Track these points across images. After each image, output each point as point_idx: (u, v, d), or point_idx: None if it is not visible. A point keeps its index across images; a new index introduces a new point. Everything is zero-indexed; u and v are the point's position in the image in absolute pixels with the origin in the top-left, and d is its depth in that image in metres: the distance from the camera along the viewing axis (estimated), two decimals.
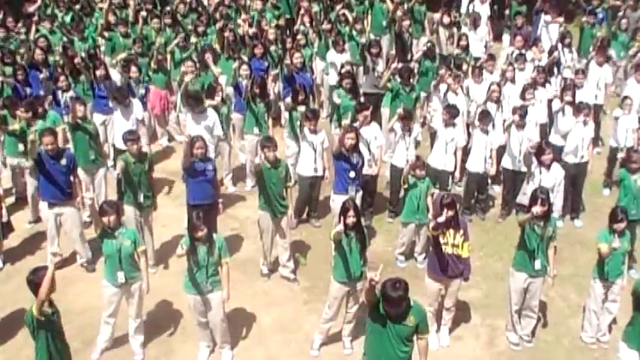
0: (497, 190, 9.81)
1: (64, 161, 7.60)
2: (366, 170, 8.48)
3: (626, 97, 9.61)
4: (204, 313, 6.46)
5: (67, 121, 8.74)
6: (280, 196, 7.59)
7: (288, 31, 12.84)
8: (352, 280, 6.46)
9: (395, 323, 5.18)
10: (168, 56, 11.30)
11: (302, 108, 9.01)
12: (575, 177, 8.99)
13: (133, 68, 10.23)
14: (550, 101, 9.80)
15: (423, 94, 10.59)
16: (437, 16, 12.86)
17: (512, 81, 10.09)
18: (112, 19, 12.08)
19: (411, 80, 9.87)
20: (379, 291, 5.12)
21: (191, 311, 6.55)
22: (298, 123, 9.15)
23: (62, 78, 9.72)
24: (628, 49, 11.98)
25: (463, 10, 13.95)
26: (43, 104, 9.09)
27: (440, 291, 6.74)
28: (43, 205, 7.71)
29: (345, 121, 8.93)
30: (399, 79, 9.80)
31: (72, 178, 7.74)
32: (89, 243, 8.03)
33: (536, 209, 6.36)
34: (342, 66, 10.48)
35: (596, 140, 10.41)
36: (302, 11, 12.83)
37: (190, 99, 8.93)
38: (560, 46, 11.49)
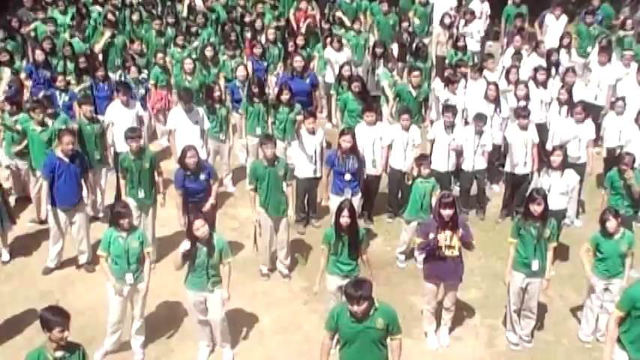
0: (496, 190, 9.82)
1: (77, 161, 7.60)
2: (370, 171, 8.48)
3: (618, 99, 9.54)
4: (205, 311, 6.45)
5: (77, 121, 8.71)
6: (279, 194, 7.59)
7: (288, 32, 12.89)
8: (344, 274, 6.44)
9: (361, 325, 5.09)
10: (168, 58, 11.31)
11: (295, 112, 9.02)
12: None
13: (133, 68, 10.20)
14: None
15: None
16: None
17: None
18: (111, 18, 12.10)
19: (418, 81, 9.78)
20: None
21: (191, 309, 6.56)
22: (282, 125, 9.07)
23: (60, 78, 9.67)
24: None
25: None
26: (51, 104, 9.03)
27: (438, 291, 6.74)
28: (49, 207, 7.65)
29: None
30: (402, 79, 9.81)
31: (82, 179, 7.75)
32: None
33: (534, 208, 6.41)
34: (342, 66, 10.46)
35: (596, 141, 10.39)
36: (292, 11, 13.03)
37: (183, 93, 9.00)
38: (557, 46, 11.48)
